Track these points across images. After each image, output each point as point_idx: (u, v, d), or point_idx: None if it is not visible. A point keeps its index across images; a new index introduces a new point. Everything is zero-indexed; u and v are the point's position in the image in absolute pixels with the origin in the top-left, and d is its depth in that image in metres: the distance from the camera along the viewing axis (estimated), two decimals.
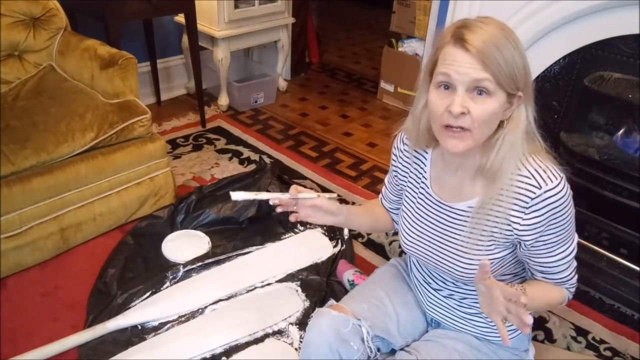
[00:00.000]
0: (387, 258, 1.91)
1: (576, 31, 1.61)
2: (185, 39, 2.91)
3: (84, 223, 1.84)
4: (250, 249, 1.89)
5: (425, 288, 1.17)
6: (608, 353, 1.57)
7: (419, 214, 1.08)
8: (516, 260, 1.03)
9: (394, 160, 1.15)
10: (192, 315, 1.61)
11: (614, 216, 1.77)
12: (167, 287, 1.69)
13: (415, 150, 1.09)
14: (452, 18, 1.83)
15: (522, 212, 0.92)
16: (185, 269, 1.76)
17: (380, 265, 1.36)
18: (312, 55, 3.93)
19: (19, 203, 1.64)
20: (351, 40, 4.61)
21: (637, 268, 1.73)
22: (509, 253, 1.00)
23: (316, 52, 3.96)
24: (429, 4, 2.70)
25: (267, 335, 1.54)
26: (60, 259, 1.80)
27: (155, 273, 1.74)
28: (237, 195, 1.00)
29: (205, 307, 1.63)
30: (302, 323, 1.57)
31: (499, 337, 1.12)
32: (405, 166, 1.12)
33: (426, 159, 1.07)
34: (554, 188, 0.90)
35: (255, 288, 1.72)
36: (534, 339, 1.58)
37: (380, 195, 1.27)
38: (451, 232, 1.03)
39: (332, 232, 1.99)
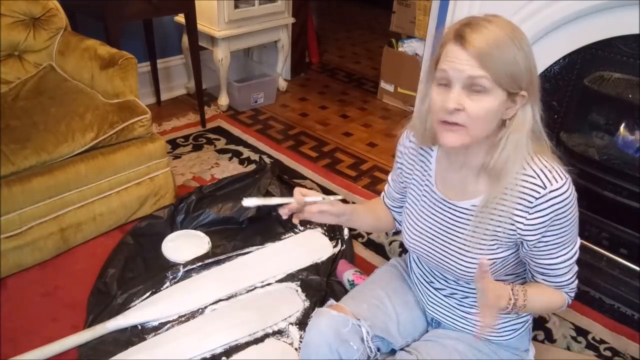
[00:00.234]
0: (387, 258, 1.91)
1: (576, 31, 1.61)
2: (185, 39, 2.91)
3: (84, 223, 1.84)
4: (250, 249, 1.89)
5: (426, 287, 1.17)
6: (608, 353, 1.57)
7: (422, 212, 1.08)
8: (519, 261, 1.03)
9: (399, 157, 1.15)
10: (192, 315, 1.61)
11: (614, 216, 1.77)
12: (167, 287, 1.69)
13: (421, 148, 1.09)
14: (452, 18, 1.83)
15: (526, 211, 0.92)
16: (185, 269, 1.76)
17: (380, 265, 1.36)
18: (312, 55, 3.93)
19: (19, 203, 1.64)
20: (351, 40, 4.61)
21: (637, 268, 1.73)
22: (512, 253, 1.00)
23: (316, 52, 3.96)
24: (429, 4, 2.70)
25: (267, 335, 1.54)
26: (60, 259, 1.80)
27: (155, 273, 1.74)
28: (249, 202, 1.01)
29: (205, 307, 1.63)
30: (302, 323, 1.57)
31: (499, 336, 1.12)
32: (410, 163, 1.12)
33: (431, 157, 1.07)
34: (559, 189, 0.90)
35: (255, 288, 1.72)
36: (534, 339, 1.58)
37: (383, 194, 1.27)
38: (454, 230, 1.03)
39: (332, 232, 1.99)
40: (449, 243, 1.03)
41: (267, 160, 2.52)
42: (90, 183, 1.81)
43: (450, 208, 1.03)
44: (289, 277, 1.77)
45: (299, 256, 1.86)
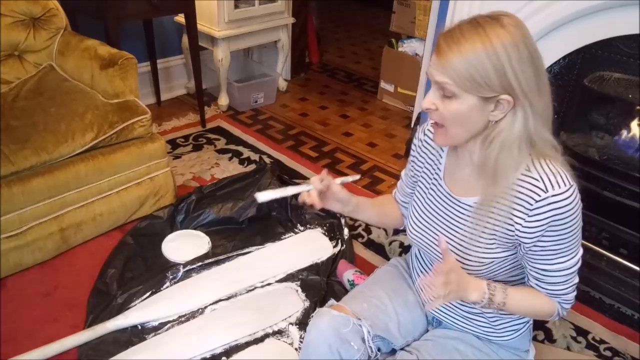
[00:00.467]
0: (387, 258, 1.91)
1: (576, 31, 1.61)
2: (185, 39, 2.91)
3: (84, 223, 1.84)
4: (250, 249, 1.89)
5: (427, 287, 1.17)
6: (608, 353, 1.57)
7: (428, 205, 1.09)
8: (517, 265, 1.03)
9: (413, 150, 1.18)
10: (192, 315, 1.61)
11: (614, 216, 1.77)
12: (167, 287, 1.69)
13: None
14: (452, 18, 1.84)
15: (525, 213, 0.92)
16: (185, 269, 1.76)
17: (380, 265, 1.36)
18: (312, 55, 3.93)
19: (19, 203, 1.64)
20: (351, 40, 4.61)
21: (637, 268, 1.73)
22: (511, 254, 1.00)
23: (316, 52, 3.96)
24: (429, 4, 2.70)
25: (267, 335, 1.54)
26: (60, 259, 1.80)
27: (155, 273, 1.74)
28: (263, 197, 1.02)
29: (205, 307, 1.63)
30: (302, 323, 1.57)
31: (500, 336, 1.12)
32: (422, 156, 1.14)
33: (443, 151, 1.09)
34: (561, 194, 0.89)
35: (255, 288, 1.72)
36: (534, 339, 1.58)
37: (395, 190, 1.29)
38: (456, 225, 1.03)
39: (332, 232, 1.99)
40: (450, 238, 1.04)
41: (267, 160, 2.52)
42: (90, 183, 1.81)
43: (454, 203, 1.04)
44: (289, 277, 1.77)
45: (299, 256, 1.86)
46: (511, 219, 0.94)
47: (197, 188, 2.13)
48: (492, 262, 1.00)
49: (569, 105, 1.77)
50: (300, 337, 1.54)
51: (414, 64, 3.02)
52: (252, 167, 2.43)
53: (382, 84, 3.33)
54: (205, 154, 2.56)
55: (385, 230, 2.08)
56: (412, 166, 1.18)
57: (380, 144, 2.82)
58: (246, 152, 2.60)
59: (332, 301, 1.23)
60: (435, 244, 1.07)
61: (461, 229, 1.02)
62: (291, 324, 1.59)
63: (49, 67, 2.09)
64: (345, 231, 2.00)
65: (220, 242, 1.93)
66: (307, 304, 1.66)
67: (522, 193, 0.92)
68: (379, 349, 1.14)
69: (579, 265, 0.97)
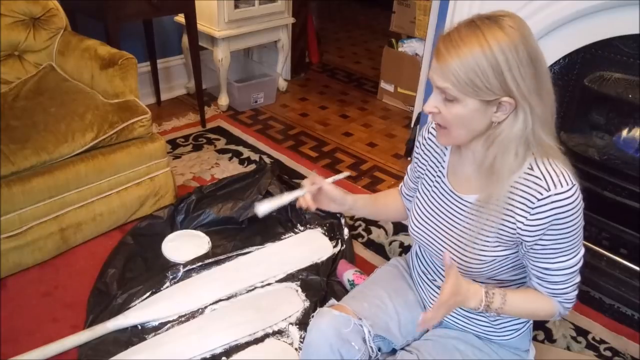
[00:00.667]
0: (387, 258, 1.91)
1: (576, 31, 1.61)
2: (185, 39, 2.91)
3: (84, 223, 1.84)
4: (250, 249, 1.89)
5: (428, 285, 1.18)
6: (608, 353, 1.57)
7: (431, 201, 1.10)
8: (519, 264, 1.03)
9: (417, 147, 1.19)
10: (192, 315, 1.61)
11: (614, 216, 1.77)
12: (167, 287, 1.69)
13: None
14: (452, 18, 1.83)
15: (527, 211, 0.92)
16: (185, 269, 1.76)
17: (380, 265, 1.36)
18: (312, 55, 3.93)
19: (19, 203, 1.64)
20: (351, 40, 4.61)
21: (637, 268, 1.73)
22: (512, 253, 1.00)
23: (316, 52, 3.96)
24: (429, 4, 2.70)
25: (267, 335, 1.54)
26: (60, 259, 1.80)
27: (155, 273, 1.74)
28: (262, 209, 1.06)
29: (205, 307, 1.63)
30: (302, 323, 1.57)
31: (500, 336, 1.12)
32: (426, 154, 1.15)
33: (447, 149, 1.10)
34: (562, 193, 0.90)
35: (255, 288, 1.72)
36: (534, 339, 1.58)
37: (401, 184, 1.29)
38: (457, 222, 1.04)
39: (332, 232, 1.99)
40: (450, 234, 1.05)
41: (267, 160, 2.52)
42: (90, 183, 1.81)
43: (456, 200, 1.04)
44: (289, 277, 1.77)
45: (299, 256, 1.86)
46: (513, 217, 0.94)
47: (197, 188, 2.13)
48: (493, 260, 1.00)
49: (569, 105, 1.77)
50: (301, 337, 1.54)
51: (414, 64, 3.02)
52: (252, 167, 2.43)
53: (382, 84, 3.33)
54: (205, 154, 2.56)
55: (385, 230, 2.08)
56: (417, 163, 1.18)
57: (380, 144, 2.82)
58: (246, 152, 2.60)
59: (332, 301, 1.23)
60: (436, 242, 1.08)
61: (462, 225, 1.02)
62: (291, 324, 1.59)
63: (49, 67, 2.09)
64: (345, 231, 2.00)
65: (220, 242, 1.93)
66: (307, 304, 1.66)
67: (524, 192, 0.92)
68: (379, 349, 1.14)
69: (580, 264, 0.97)
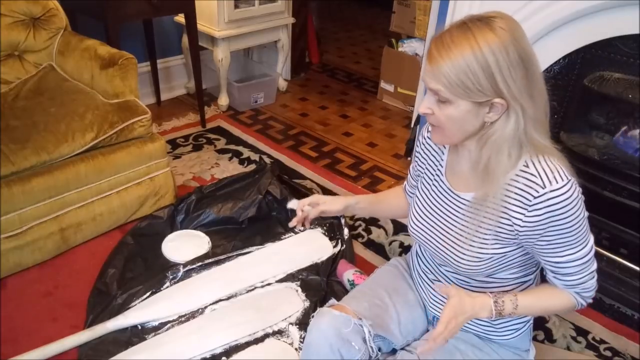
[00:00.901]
0: (387, 258, 1.91)
1: (576, 31, 1.61)
2: (185, 39, 2.91)
3: (84, 223, 1.84)
4: (250, 249, 1.89)
5: (429, 285, 1.18)
6: (608, 353, 1.57)
7: (430, 200, 1.11)
8: (519, 262, 1.03)
9: (417, 147, 1.20)
10: (192, 315, 1.61)
11: (614, 216, 1.77)
12: (167, 287, 1.69)
13: None
14: (452, 18, 1.83)
15: (524, 209, 0.93)
16: (185, 269, 1.76)
17: (381, 265, 1.36)
18: (312, 55, 3.93)
19: (19, 203, 1.64)
20: (351, 40, 4.61)
21: (637, 268, 1.73)
22: (510, 251, 1.00)
23: (316, 52, 3.96)
24: (429, 4, 2.70)
25: (267, 335, 1.54)
26: (60, 259, 1.80)
27: (155, 273, 1.74)
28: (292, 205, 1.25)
29: (205, 307, 1.63)
30: (302, 323, 1.57)
31: (500, 336, 1.12)
32: (425, 153, 1.16)
33: (445, 148, 1.11)
34: (558, 189, 0.90)
35: (255, 288, 1.72)
36: (534, 339, 1.58)
37: (405, 182, 1.31)
38: (455, 220, 1.04)
39: (332, 232, 1.99)
40: (448, 232, 1.05)
41: (267, 160, 2.52)
42: (90, 183, 1.81)
43: (454, 198, 1.05)
44: (289, 277, 1.77)
45: (299, 256, 1.86)
46: (510, 215, 0.95)
47: (197, 188, 2.13)
48: (491, 257, 1.00)
49: (569, 105, 1.77)
50: (301, 337, 1.54)
51: (414, 64, 3.02)
52: (252, 167, 2.43)
53: (382, 84, 3.33)
54: (205, 154, 2.56)
55: (385, 230, 2.08)
56: (417, 162, 1.20)
57: (380, 144, 2.82)
58: (246, 152, 2.60)
59: (332, 301, 1.23)
60: (434, 239, 1.08)
61: (460, 223, 1.03)
62: (291, 324, 1.59)
63: (49, 67, 2.09)
64: (345, 231, 2.00)
65: (220, 242, 1.93)
66: (307, 304, 1.65)
67: (520, 189, 0.93)
68: (379, 349, 1.14)
69: (592, 254, 0.98)
